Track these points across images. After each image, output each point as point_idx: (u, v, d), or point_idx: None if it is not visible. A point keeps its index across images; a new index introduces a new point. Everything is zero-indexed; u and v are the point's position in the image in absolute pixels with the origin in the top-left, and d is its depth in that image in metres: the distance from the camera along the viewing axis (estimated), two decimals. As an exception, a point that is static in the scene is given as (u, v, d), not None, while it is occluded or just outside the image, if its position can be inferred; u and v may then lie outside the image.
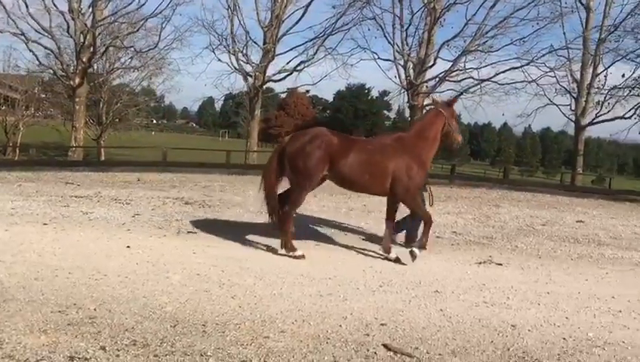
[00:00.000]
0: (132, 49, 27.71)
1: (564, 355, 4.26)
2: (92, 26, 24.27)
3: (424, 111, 25.54)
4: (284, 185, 7.22)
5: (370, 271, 6.38)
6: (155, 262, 6.09)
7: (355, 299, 5.27)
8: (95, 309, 4.50)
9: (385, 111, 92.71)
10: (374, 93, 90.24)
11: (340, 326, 4.50)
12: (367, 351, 4.02)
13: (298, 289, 5.43)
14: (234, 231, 8.28)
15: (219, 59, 27.57)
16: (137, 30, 26.48)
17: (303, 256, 6.77)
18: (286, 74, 27.64)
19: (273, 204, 7.01)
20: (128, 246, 6.72)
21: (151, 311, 4.56)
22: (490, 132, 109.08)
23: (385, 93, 71.20)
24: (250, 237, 7.88)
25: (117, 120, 38.32)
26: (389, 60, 26.40)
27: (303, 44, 27.30)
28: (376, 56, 26.87)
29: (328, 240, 8.07)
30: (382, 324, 4.60)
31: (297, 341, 4.11)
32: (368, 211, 11.03)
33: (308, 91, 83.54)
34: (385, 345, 4.13)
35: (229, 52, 27.03)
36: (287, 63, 27.87)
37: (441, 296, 5.62)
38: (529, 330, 4.75)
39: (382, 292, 5.56)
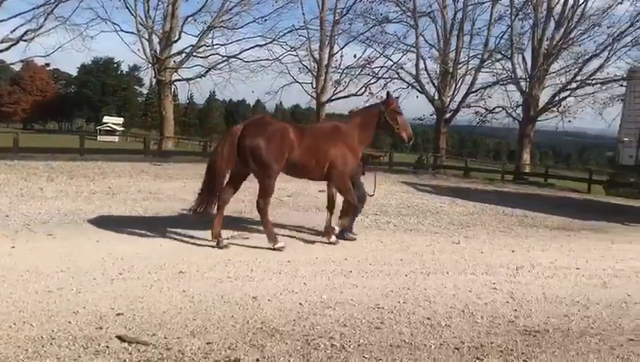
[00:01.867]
0: None
1: (300, 320, 4.49)
2: None
3: (169, 86, 25.11)
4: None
5: (110, 259, 5.93)
6: None
7: (90, 290, 4.85)
8: None
9: (136, 87, 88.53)
10: (124, 68, 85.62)
11: (70, 322, 4.08)
12: (99, 345, 3.71)
13: (21, 287, 4.79)
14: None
15: None
16: None
17: (284, 247, 6.87)
18: (10, 44, 24.55)
19: (224, 198, 7.05)
20: None
21: None
22: (245, 108, 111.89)
23: (135, 67, 68.02)
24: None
25: None
26: (133, 33, 25.31)
27: (30, 10, 24.70)
28: (119, 28, 25.57)
29: (65, 228, 7.30)
30: (118, 314, 4.31)
31: (14, 347, 3.59)
32: (113, 193, 10.39)
33: (48, 65, 75.57)
34: (119, 337, 3.86)
35: None
36: (12, 32, 24.80)
37: (185, 276, 5.50)
38: (269, 300, 4.91)
39: (121, 280, 5.21)
